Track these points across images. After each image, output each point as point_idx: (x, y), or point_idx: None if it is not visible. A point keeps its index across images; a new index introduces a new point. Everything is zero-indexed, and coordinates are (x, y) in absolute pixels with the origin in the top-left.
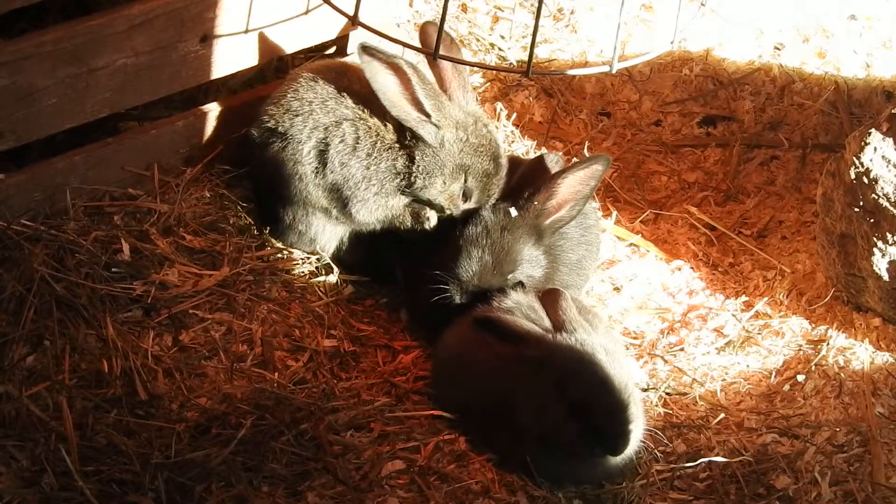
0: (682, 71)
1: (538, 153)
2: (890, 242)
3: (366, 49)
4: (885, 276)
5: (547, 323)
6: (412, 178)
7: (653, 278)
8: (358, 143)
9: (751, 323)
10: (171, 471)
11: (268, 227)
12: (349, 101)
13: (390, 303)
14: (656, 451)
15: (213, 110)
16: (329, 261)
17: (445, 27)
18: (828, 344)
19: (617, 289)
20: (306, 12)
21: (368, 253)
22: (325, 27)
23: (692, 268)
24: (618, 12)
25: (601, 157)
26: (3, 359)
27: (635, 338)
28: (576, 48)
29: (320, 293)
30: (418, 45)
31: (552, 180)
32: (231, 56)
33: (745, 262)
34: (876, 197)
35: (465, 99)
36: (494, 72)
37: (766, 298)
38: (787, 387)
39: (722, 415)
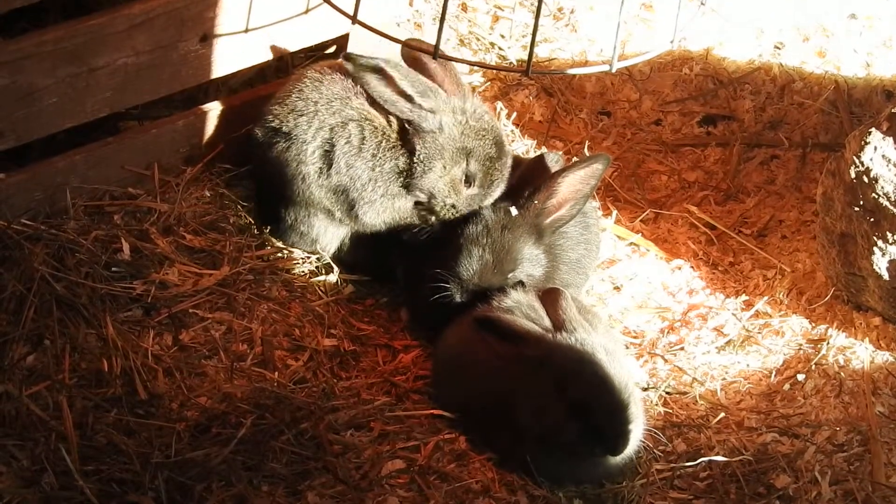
0: (682, 70)
1: (538, 152)
2: (890, 242)
3: (347, 58)
4: (886, 276)
5: (547, 322)
6: (413, 170)
7: (653, 277)
8: (363, 143)
9: (751, 322)
10: (171, 470)
11: (268, 227)
12: (354, 102)
13: (390, 302)
14: (656, 451)
15: (213, 110)
16: (329, 260)
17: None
18: (828, 343)
19: (617, 288)
20: (306, 12)
21: (369, 252)
22: (325, 27)
23: (692, 267)
24: (618, 11)
25: (601, 156)
26: (3, 358)
27: (635, 337)
28: (576, 47)
29: (320, 292)
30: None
31: (552, 179)
32: (231, 55)
33: (745, 261)
34: (876, 196)
35: (459, 93)
36: (494, 71)
37: (766, 298)
38: (787, 386)
39: (722, 414)
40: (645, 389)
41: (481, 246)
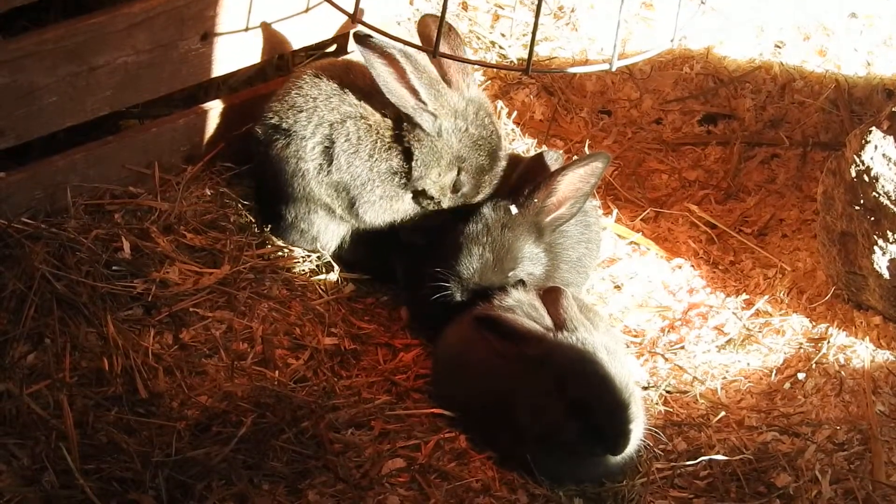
0: (682, 69)
1: (538, 151)
2: (890, 240)
3: (359, 39)
4: (886, 274)
5: (548, 321)
6: (410, 172)
7: (653, 276)
8: (360, 142)
9: (751, 321)
10: (171, 469)
11: (269, 226)
12: (352, 98)
13: (391, 301)
14: (657, 450)
15: (213, 108)
16: (329, 259)
17: (447, 18)
18: (828, 342)
19: (617, 287)
20: (307, 10)
21: (369, 251)
22: (325, 25)
23: (693, 266)
24: (618, 10)
25: (601, 155)
26: (3, 357)
27: (636, 336)
28: (576, 46)
29: (321, 291)
30: (418, 41)
31: (552, 178)
32: (231, 54)
33: (745, 260)
34: (876, 195)
35: (465, 83)
36: (495, 70)
37: (766, 296)
38: (787, 385)
39: (722, 413)
40: (645, 388)
41: (482, 244)
